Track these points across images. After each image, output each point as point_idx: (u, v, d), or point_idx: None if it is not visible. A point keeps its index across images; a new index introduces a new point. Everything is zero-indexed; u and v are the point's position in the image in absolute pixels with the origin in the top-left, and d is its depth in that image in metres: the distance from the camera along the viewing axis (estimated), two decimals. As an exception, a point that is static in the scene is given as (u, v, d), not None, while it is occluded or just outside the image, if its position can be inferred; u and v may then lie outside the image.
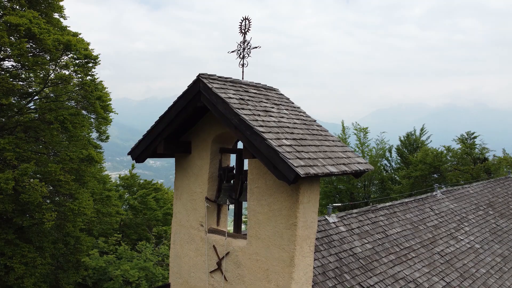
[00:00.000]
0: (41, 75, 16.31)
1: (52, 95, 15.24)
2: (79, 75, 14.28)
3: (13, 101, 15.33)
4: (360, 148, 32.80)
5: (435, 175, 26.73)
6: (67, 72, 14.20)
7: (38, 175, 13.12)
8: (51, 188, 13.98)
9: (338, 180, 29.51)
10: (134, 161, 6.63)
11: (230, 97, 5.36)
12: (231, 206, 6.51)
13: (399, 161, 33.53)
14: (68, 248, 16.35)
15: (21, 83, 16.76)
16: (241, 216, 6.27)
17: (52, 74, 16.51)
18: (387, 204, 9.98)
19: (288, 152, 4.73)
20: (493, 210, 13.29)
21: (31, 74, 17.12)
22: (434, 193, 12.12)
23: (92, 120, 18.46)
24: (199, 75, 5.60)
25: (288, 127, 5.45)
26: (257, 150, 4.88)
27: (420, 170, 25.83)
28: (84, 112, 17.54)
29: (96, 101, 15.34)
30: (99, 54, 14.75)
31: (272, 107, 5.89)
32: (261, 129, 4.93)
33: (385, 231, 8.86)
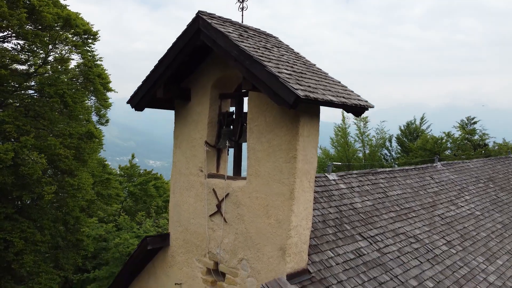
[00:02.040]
0: (41, 55, 16.30)
1: (51, 72, 15.19)
2: (79, 51, 14.24)
3: (12, 82, 15.30)
4: (360, 137, 32.81)
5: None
6: (66, 48, 14.15)
7: (37, 149, 13.06)
8: (50, 165, 13.92)
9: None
10: (133, 109, 6.60)
11: (229, 32, 5.34)
12: (231, 154, 6.49)
13: (399, 150, 33.52)
14: (67, 227, 16.33)
15: (22, 67, 16.75)
16: (240, 160, 6.25)
17: (51, 57, 16.52)
18: (387, 169, 9.95)
19: (288, 78, 4.71)
20: (494, 184, 13.27)
21: (30, 58, 17.13)
22: (434, 164, 12.10)
23: (91, 102, 18.45)
24: (199, 12, 5.57)
25: (288, 62, 5.43)
26: (256, 79, 4.85)
27: (420, 156, 25.81)
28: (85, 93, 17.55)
29: (96, 77, 15.30)
30: (98, 30, 14.72)
31: (272, 47, 5.86)
32: (261, 58, 4.91)
33: (385, 192, 8.84)
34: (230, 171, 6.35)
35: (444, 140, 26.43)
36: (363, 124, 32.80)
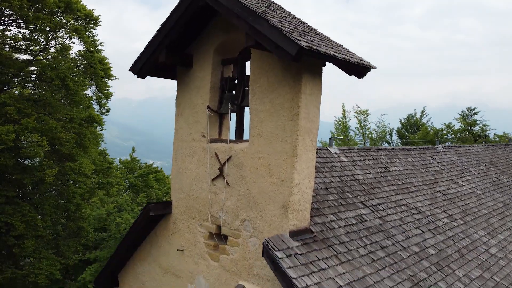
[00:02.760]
0: (42, 42, 16.30)
1: (52, 61, 15.20)
2: (80, 35, 14.21)
3: (12, 69, 15.28)
4: (361, 131, 32.80)
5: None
6: (67, 34, 14.13)
7: (38, 132, 13.03)
8: (51, 148, 13.89)
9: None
10: (136, 76, 6.60)
11: (232, -9, 5.33)
12: (233, 121, 6.48)
13: (399, 143, 33.48)
14: (68, 214, 16.34)
15: (23, 56, 16.75)
16: (243, 125, 6.24)
17: (52, 48, 16.51)
18: (388, 147, 9.95)
19: (291, 31, 4.71)
20: (495, 168, 13.27)
21: (31, 48, 17.12)
22: (436, 146, 12.10)
23: (92, 91, 18.47)
24: (201, -28, 5.57)
25: (290, 22, 5.43)
26: (259, 34, 4.85)
27: (421, 148, 25.73)
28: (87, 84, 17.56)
29: (97, 62, 15.30)
30: (100, 15, 14.71)
31: (275, 10, 5.86)
32: (264, 14, 4.91)
33: (387, 167, 8.85)
34: (232, 137, 6.35)
35: (444, 132, 26.42)
36: (363, 117, 32.81)
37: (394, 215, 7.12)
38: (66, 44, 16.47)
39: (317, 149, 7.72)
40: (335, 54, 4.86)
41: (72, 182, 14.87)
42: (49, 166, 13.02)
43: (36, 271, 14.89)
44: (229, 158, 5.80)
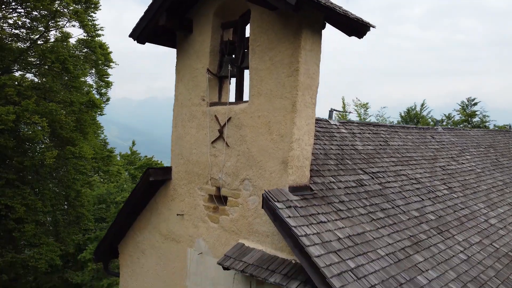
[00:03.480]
0: (41, 29, 16.28)
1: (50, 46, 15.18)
2: (80, 19, 14.19)
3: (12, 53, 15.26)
4: (361, 124, 32.71)
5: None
6: (66, 18, 14.09)
7: (38, 114, 13.00)
8: (52, 133, 13.88)
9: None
10: (135, 41, 6.60)
11: None
12: (233, 86, 6.49)
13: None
14: (68, 201, 16.35)
15: (24, 45, 16.72)
16: (242, 87, 6.24)
17: (52, 37, 16.49)
18: (388, 124, 9.95)
19: (291, -18, 4.71)
20: (494, 150, 13.28)
21: (31, 36, 17.12)
22: (435, 127, 12.10)
23: (92, 79, 18.47)
24: None
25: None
26: (259, -13, 4.85)
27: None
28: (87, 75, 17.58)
29: (97, 47, 15.30)
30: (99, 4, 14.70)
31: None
32: (263, -33, 4.91)
33: (386, 141, 8.85)
34: (232, 100, 6.35)
35: (444, 123, 26.41)
36: (363, 110, 32.79)
37: (394, 183, 7.12)
38: (66, 32, 16.47)
39: (316, 119, 7.75)
40: (335, 7, 4.86)
41: (72, 169, 14.86)
42: (49, 148, 13.02)
43: (36, 256, 14.90)
44: (229, 119, 5.81)
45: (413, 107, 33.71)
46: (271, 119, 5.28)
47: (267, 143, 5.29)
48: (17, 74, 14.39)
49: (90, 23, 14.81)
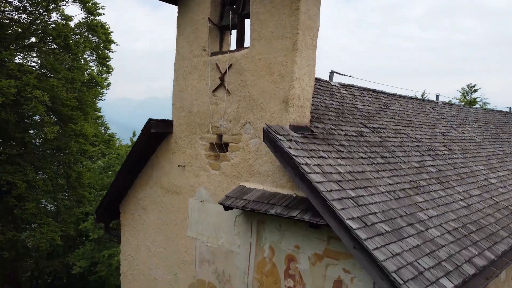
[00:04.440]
0: (43, 12, 16.30)
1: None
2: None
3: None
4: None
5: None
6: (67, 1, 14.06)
7: (40, 89, 13.01)
8: (53, 111, 13.90)
9: None
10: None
11: None
12: (233, 37, 6.50)
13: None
14: (69, 182, 16.38)
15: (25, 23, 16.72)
16: (243, 35, 6.25)
17: (53, 24, 16.49)
18: (388, 92, 9.98)
19: None
20: (495, 126, 13.30)
21: (31, 16, 17.10)
22: (436, 101, 12.13)
23: (94, 62, 18.49)
24: None
25: None
26: None
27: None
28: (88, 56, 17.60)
29: (98, 26, 15.32)
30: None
31: None
32: None
33: (387, 105, 8.88)
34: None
35: (444, 112, 26.42)
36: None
37: (394, 139, 7.15)
38: (67, 14, 16.47)
39: (317, 79, 7.78)
40: None
41: (74, 146, 14.87)
42: (50, 123, 13.07)
43: (37, 235, 14.94)
44: (230, 66, 5.83)
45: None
46: (272, 61, 5.30)
47: (268, 85, 5.32)
48: (18, 59, 14.41)
49: (91, 1, 14.83)
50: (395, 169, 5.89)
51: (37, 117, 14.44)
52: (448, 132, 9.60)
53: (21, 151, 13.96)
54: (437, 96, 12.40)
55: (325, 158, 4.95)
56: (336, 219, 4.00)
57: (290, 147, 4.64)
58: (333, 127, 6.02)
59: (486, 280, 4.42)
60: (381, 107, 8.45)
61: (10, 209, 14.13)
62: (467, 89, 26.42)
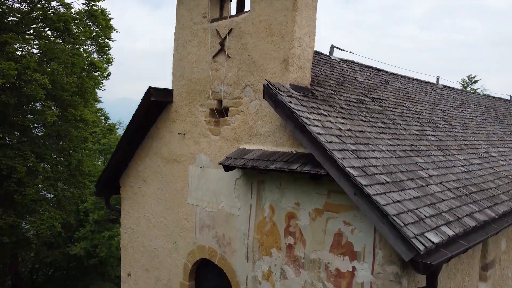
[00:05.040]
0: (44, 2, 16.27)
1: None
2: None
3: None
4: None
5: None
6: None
7: (40, 73, 12.97)
8: (52, 94, 13.82)
9: None
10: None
11: None
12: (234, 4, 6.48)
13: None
14: (69, 169, 16.36)
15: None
16: (243, 2, 6.25)
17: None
18: (388, 71, 9.97)
19: None
20: (495, 110, 13.28)
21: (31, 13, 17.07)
22: (436, 83, 12.11)
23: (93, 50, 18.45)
24: None
25: None
26: None
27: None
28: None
29: (98, 12, 15.30)
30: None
31: None
32: None
33: (387, 82, 8.86)
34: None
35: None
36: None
37: (394, 109, 7.14)
38: (67, 3, 16.44)
39: (317, 52, 7.77)
40: None
41: (74, 131, 14.84)
42: (50, 107, 13.06)
43: (37, 221, 14.91)
44: (230, 31, 5.82)
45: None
46: (272, 21, 5.28)
47: (268, 46, 5.31)
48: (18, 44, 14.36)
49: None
50: (395, 134, 5.88)
51: (38, 105, 14.43)
52: (448, 111, 9.59)
53: (22, 140, 13.94)
54: (437, 79, 12.38)
55: (326, 115, 4.94)
56: (337, 168, 3.99)
57: (291, 102, 4.63)
58: (333, 92, 6.01)
59: (486, 234, 4.41)
60: (381, 82, 8.44)
61: (11, 194, 14.10)
62: (468, 80, 26.40)
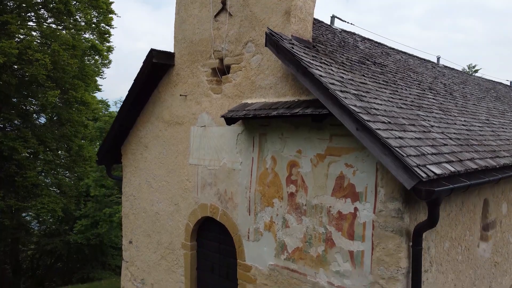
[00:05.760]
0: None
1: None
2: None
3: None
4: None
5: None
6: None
7: (41, 53, 13.01)
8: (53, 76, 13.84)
9: None
10: None
11: None
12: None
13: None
14: (70, 154, 16.40)
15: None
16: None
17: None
18: (389, 46, 9.98)
19: None
20: (495, 92, 13.30)
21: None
22: (437, 62, 12.13)
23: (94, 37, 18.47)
24: None
25: None
26: None
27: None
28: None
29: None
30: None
31: None
32: None
33: (388, 54, 8.88)
34: None
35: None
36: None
37: (396, 74, 7.16)
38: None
39: (317, 20, 7.78)
40: None
41: (75, 117, 14.89)
42: (52, 88, 13.08)
43: (39, 205, 14.95)
44: (232, -11, 5.83)
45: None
46: (274, -23, 5.29)
47: None
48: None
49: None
50: (397, 91, 5.89)
51: (39, 88, 14.44)
52: (449, 85, 9.60)
53: (24, 126, 13.97)
54: (438, 58, 12.39)
55: (328, 65, 4.95)
56: (339, 106, 4.00)
57: (293, 48, 4.65)
58: (334, 51, 6.03)
59: (488, 178, 4.43)
60: (382, 53, 8.46)
61: (12, 176, 14.13)
62: (468, 69, 26.42)
